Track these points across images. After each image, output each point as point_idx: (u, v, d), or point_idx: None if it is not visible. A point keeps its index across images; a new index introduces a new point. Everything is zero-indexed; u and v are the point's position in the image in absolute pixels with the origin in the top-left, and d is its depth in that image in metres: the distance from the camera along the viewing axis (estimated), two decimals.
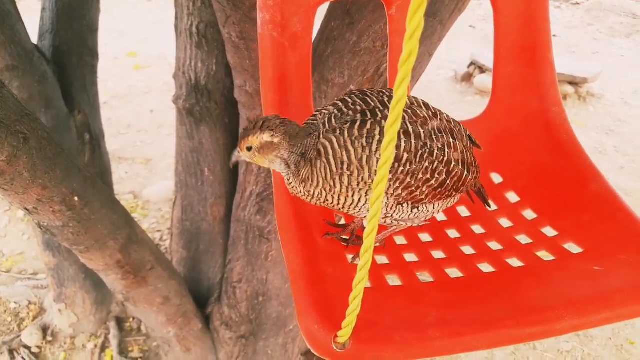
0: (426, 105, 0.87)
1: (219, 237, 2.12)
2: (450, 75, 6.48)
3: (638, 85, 6.62)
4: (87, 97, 2.57)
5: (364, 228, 1.00)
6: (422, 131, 0.81)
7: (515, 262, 0.89)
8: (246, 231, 1.95)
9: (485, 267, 0.90)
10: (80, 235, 1.48)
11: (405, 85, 0.54)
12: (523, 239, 0.96)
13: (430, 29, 1.80)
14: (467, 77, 6.24)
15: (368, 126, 0.79)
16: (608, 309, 0.73)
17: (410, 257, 0.95)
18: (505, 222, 1.02)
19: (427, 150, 0.81)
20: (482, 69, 6.10)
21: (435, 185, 0.84)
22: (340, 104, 0.85)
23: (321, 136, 0.81)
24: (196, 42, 1.74)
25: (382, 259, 0.95)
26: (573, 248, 0.90)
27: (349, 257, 0.92)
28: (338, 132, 0.79)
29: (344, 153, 0.78)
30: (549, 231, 0.95)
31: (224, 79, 1.80)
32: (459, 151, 0.86)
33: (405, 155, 0.79)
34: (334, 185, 0.80)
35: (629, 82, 6.66)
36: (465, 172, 0.88)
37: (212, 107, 1.83)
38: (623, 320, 0.75)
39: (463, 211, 1.07)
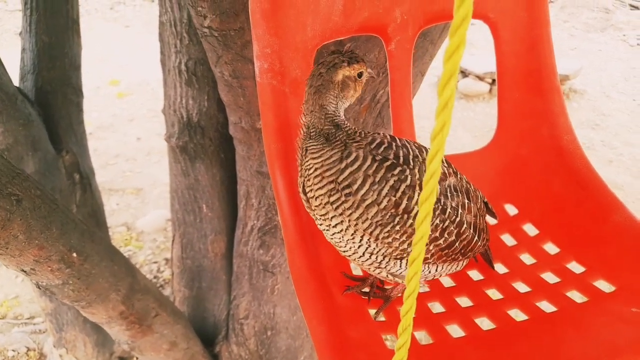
0: (447, 162, 0.84)
1: (221, 273, 2.06)
2: (433, 81, 6.52)
3: (617, 78, 6.72)
4: (74, 136, 2.51)
5: (381, 280, 0.97)
6: (438, 187, 0.77)
7: (547, 307, 0.86)
8: (249, 266, 1.90)
9: (517, 314, 0.87)
10: (81, 291, 1.42)
11: (439, 158, 0.51)
12: (550, 277, 0.92)
13: (421, 49, 1.79)
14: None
15: (395, 171, 0.74)
16: None
17: (435, 307, 0.91)
18: (527, 258, 0.98)
19: (440, 207, 0.77)
20: (464, 74, 6.14)
21: (443, 246, 0.79)
22: (389, 137, 0.81)
23: (361, 148, 0.76)
24: (186, 79, 1.69)
25: None
26: (604, 286, 0.87)
27: (372, 312, 0.88)
28: (372, 158, 0.75)
29: (358, 181, 0.73)
30: (576, 267, 0.92)
31: (217, 114, 1.76)
32: (473, 214, 0.82)
33: (416, 208, 0.75)
34: (322, 187, 0.75)
35: (608, 76, 6.76)
36: (476, 238, 0.84)
37: (207, 143, 1.79)
38: None
39: None
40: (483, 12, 1.06)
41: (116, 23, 8.23)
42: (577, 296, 0.86)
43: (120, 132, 5.11)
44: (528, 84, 1.07)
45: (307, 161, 0.78)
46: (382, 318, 0.87)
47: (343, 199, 0.74)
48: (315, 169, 0.76)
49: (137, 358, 2.98)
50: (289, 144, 0.96)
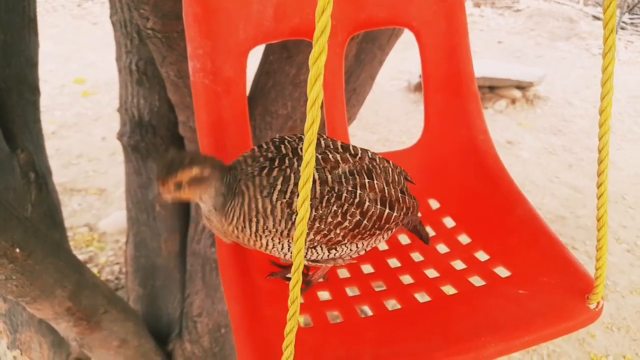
0: (345, 147, 0.90)
1: (175, 271, 2.09)
2: (403, 85, 6.65)
3: (580, 86, 6.98)
4: (30, 134, 2.49)
5: (307, 266, 1.03)
6: (329, 176, 0.84)
7: (449, 290, 0.94)
8: (202, 264, 1.94)
9: (422, 297, 0.94)
10: (24, 287, 1.43)
11: (312, 150, 0.57)
12: (458, 264, 1.00)
13: (370, 54, 1.86)
14: (420, 87, 6.43)
15: (274, 173, 0.82)
16: (530, 333, 0.78)
17: (352, 291, 0.98)
18: (442, 248, 1.06)
19: (335, 195, 0.83)
20: None
21: (350, 227, 0.86)
22: (256, 149, 0.89)
23: (241, 180, 0.85)
24: (137, 79, 1.72)
25: (325, 295, 0.97)
26: (502, 272, 0.95)
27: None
28: (251, 179, 0.83)
29: (253, 202, 0.82)
30: (482, 255, 1.00)
31: (168, 114, 1.79)
32: (377, 190, 0.88)
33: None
34: (245, 227, 0.83)
35: (571, 84, 7.01)
36: (388, 210, 0.89)
37: (158, 142, 1.82)
38: (545, 341, 0.81)
39: (404, 239, 1.11)
40: (407, 21, 1.14)
41: (83, 20, 8.09)
42: (477, 280, 0.94)
43: (84, 132, 5.04)
44: (449, 89, 1.15)
45: (227, 227, 0.86)
46: (301, 300, 0.93)
47: (256, 220, 0.83)
48: (235, 229, 0.85)
49: None
50: (220, 140, 1.01)
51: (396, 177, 0.95)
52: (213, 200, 0.85)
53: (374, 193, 0.88)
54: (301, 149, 0.86)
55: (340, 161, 0.86)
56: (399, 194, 0.93)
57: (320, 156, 0.85)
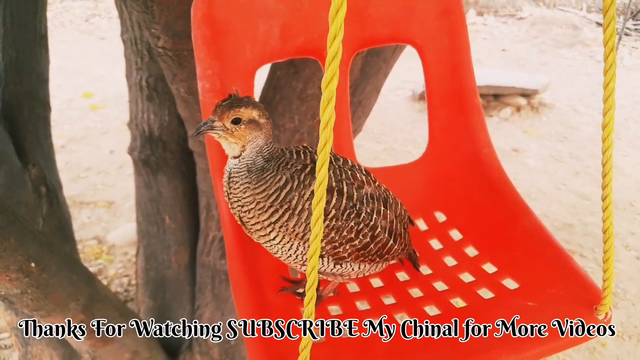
0: (367, 171, 0.94)
1: (185, 284, 2.11)
2: (408, 95, 6.67)
3: (585, 93, 6.96)
4: (41, 149, 2.53)
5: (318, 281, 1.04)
6: (355, 194, 0.86)
7: (458, 302, 0.95)
8: (212, 276, 1.96)
9: (431, 310, 0.95)
10: (40, 300, 1.46)
11: (324, 170, 0.59)
12: (466, 277, 1.02)
13: (375, 67, 1.89)
14: (424, 96, 6.44)
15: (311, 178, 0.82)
16: (540, 345, 0.79)
17: (362, 305, 0.99)
18: (450, 261, 1.07)
19: (355, 212, 0.86)
20: None
21: (359, 246, 0.88)
22: (292, 148, 0.89)
23: (288, 164, 0.84)
24: (147, 95, 1.76)
25: (336, 309, 0.99)
26: (510, 284, 0.96)
27: (303, 311, 0.95)
28: (298, 172, 0.83)
29: (289, 196, 0.81)
30: (490, 267, 1.02)
31: (178, 128, 1.83)
32: (388, 220, 0.91)
33: (333, 212, 0.84)
34: (264, 211, 0.82)
35: (576, 90, 7.00)
36: (392, 241, 0.92)
37: (168, 156, 1.85)
38: (555, 353, 0.82)
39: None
40: (410, 37, 1.16)
41: (91, 35, 8.23)
42: (486, 293, 0.96)
43: (93, 145, 5.10)
44: (452, 103, 1.17)
45: (245, 197, 0.83)
46: None
47: (286, 216, 0.81)
48: (258, 202, 0.82)
49: None
50: None
51: (403, 212, 0.98)
52: (256, 153, 0.84)
53: (385, 221, 0.91)
54: (332, 161, 0.87)
55: (365, 182, 0.89)
56: (402, 229, 0.97)
57: (350, 172, 0.88)
